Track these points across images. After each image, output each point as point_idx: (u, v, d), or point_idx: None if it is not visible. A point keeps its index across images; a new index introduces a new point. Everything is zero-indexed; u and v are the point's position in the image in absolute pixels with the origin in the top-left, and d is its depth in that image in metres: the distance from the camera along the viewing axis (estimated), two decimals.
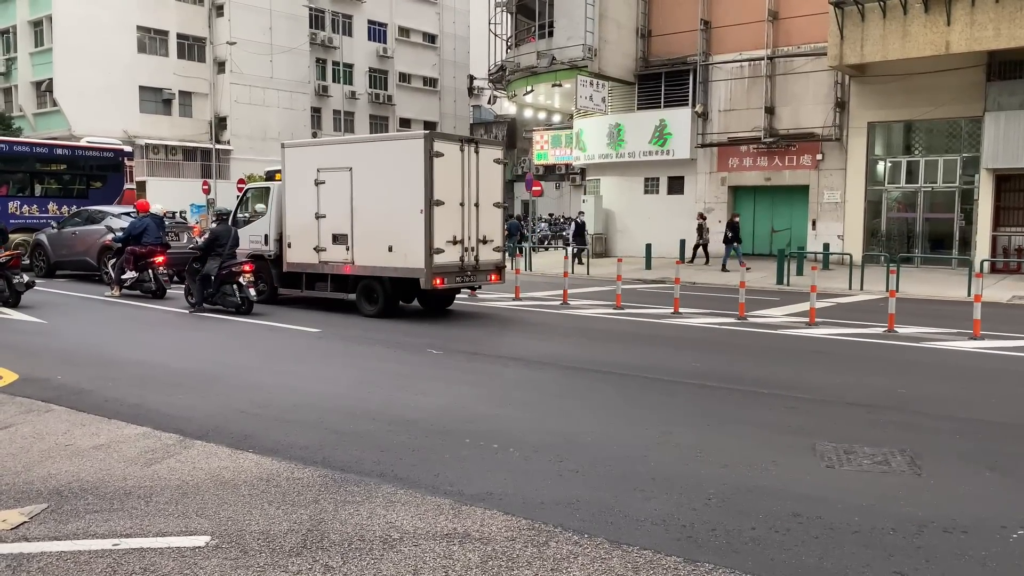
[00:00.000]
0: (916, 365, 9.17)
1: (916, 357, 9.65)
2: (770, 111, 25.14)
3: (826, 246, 22.07)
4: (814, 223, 24.76)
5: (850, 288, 17.51)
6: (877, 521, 4.22)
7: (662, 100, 27.46)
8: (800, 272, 20.16)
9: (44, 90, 41.21)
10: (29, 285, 13.08)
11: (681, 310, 13.59)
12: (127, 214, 17.22)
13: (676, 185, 27.88)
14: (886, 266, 16.83)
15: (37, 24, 41.45)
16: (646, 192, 28.62)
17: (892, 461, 5.28)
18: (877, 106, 23.02)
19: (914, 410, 6.81)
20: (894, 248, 22.43)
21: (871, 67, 21.92)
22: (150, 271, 14.49)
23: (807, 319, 12.39)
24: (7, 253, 13.30)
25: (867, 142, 23.57)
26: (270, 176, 14.43)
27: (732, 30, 25.70)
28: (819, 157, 24.58)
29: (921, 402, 7.17)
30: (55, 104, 40.49)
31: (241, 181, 33.79)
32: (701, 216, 24.66)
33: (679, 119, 26.76)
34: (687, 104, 26.76)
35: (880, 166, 23.94)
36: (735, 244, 22.27)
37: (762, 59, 25.15)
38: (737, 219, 23.30)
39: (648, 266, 23.15)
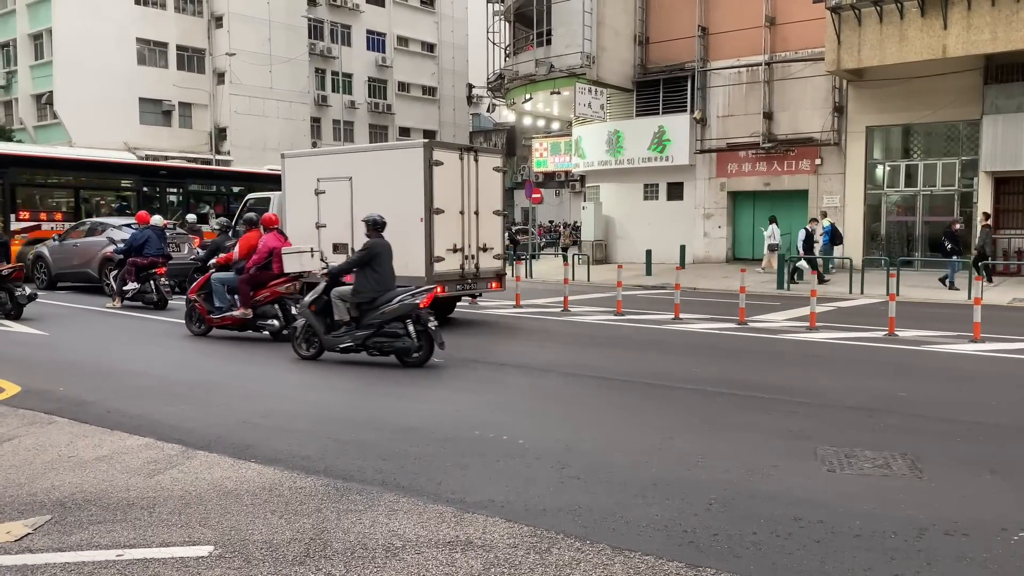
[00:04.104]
0: (916, 368, 9.17)
1: (916, 360, 9.66)
2: (768, 116, 25.21)
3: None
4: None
5: (850, 292, 17.52)
6: (878, 524, 4.23)
7: (660, 106, 27.54)
8: (800, 277, 20.16)
9: (44, 103, 41.34)
10: (31, 297, 13.10)
11: (682, 316, 13.60)
12: (128, 226, 17.25)
13: (675, 191, 27.94)
14: (886, 270, 16.84)
15: (37, 37, 41.61)
16: (646, 198, 28.67)
17: (893, 464, 5.29)
18: (875, 110, 23.08)
19: (915, 413, 6.81)
20: (894, 252, 22.45)
21: (869, 71, 21.98)
22: (152, 282, 14.52)
23: (808, 323, 12.40)
24: (9, 266, 13.33)
25: (866, 146, 23.62)
26: None
27: (730, 36, 25.80)
28: (818, 162, 24.63)
29: (922, 405, 7.17)
30: (55, 117, 40.62)
31: None
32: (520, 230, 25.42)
33: (678, 125, 26.83)
34: (685, 110, 26.84)
35: (879, 170, 23.98)
36: (954, 257, 18.37)
37: (760, 65, 25.24)
38: (957, 227, 18.99)
39: (648, 272, 23.18)
